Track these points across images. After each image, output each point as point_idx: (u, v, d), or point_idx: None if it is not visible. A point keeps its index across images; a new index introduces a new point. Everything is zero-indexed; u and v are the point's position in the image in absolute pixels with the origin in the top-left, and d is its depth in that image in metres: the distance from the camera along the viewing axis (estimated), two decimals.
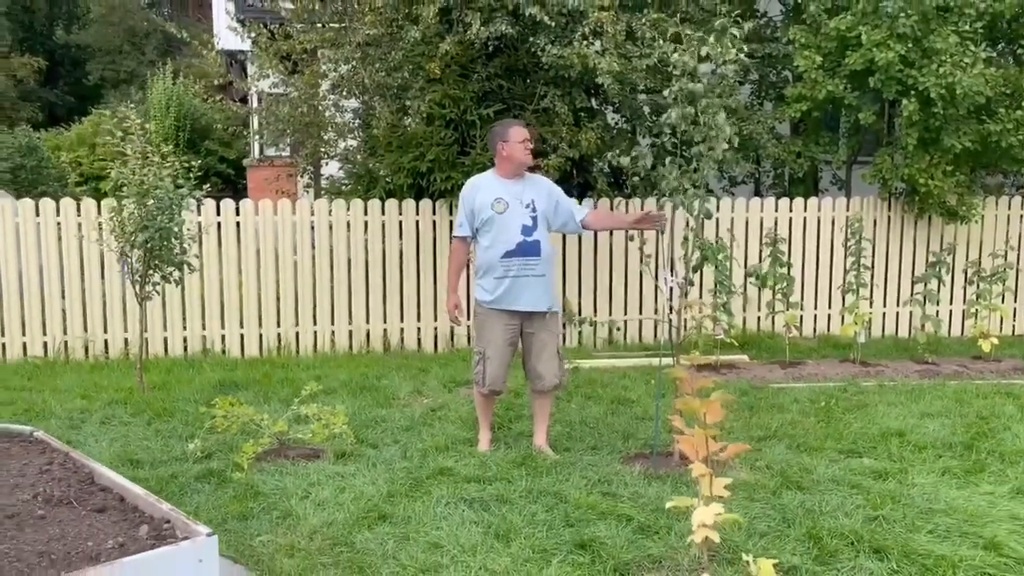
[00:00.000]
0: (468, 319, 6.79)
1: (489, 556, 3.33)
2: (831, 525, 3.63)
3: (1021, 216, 8.70)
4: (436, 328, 7.92)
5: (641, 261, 5.25)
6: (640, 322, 8.18)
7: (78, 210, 7.42)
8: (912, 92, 7.52)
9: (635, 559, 3.31)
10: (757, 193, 10.42)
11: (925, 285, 7.55)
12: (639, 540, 3.48)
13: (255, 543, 3.48)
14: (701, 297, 8.03)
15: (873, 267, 8.45)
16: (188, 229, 6.17)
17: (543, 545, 3.42)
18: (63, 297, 7.46)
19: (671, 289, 4.61)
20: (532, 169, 4.90)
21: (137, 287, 6.06)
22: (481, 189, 4.69)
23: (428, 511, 3.78)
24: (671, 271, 4.62)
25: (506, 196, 4.62)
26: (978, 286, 7.66)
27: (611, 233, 7.95)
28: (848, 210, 8.39)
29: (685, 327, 7.81)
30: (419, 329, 7.91)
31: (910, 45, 7.44)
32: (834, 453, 4.72)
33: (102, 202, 7.21)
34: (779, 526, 3.66)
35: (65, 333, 7.46)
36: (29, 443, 3.03)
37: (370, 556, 3.37)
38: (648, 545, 3.43)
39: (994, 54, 7.61)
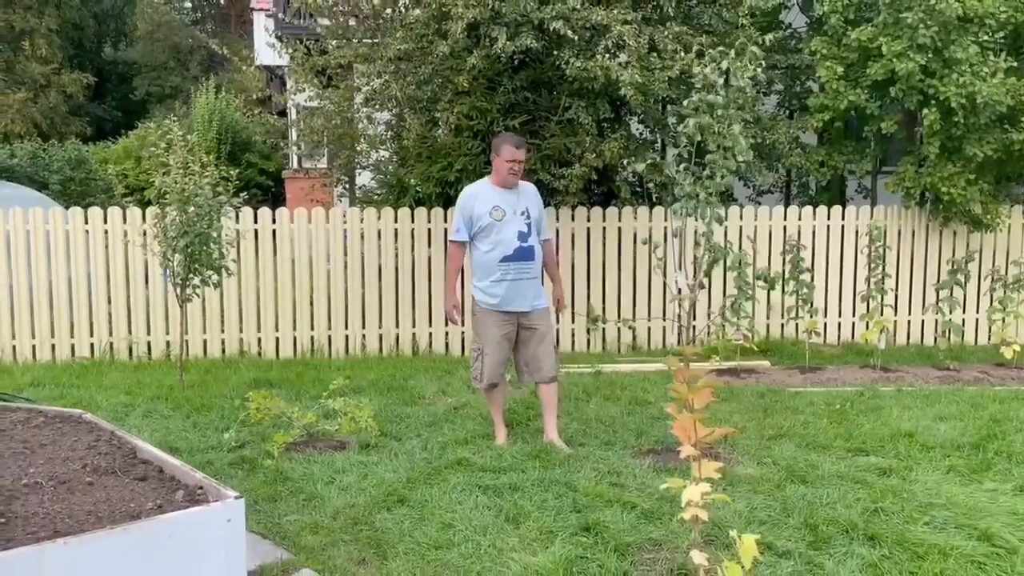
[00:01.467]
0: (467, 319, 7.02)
1: (499, 536, 3.55)
2: (828, 515, 3.78)
3: None
4: (463, 332, 8.16)
5: (651, 264, 5.43)
6: (664, 328, 8.34)
7: (124, 218, 7.82)
8: (933, 102, 7.62)
9: (636, 541, 3.50)
10: (787, 202, 10.53)
11: (951, 292, 7.61)
12: (641, 525, 3.67)
13: (282, 522, 3.75)
14: (710, 303, 8.16)
15: (897, 275, 8.52)
16: (226, 235, 6.50)
17: (550, 527, 3.63)
18: (109, 301, 7.85)
19: (681, 290, 4.79)
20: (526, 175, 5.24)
21: (178, 290, 6.40)
22: (479, 197, 4.97)
23: (444, 496, 4.01)
24: (682, 274, 4.81)
25: (503, 205, 4.93)
26: (1004, 293, 7.69)
27: (634, 240, 8.14)
28: (871, 218, 8.48)
29: (708, 332, 7.97)
30: (447, 333, 8.16)
31: (930, 55, 7.54)
32: (842, 451, 4.85)
33: (146, 210, 7.60)
34: (779, 515, 3.81)
35: (111, 335, 7.85)
36: (79, 424, 3.32)
37: (388, 534, 3.61)
38: (650, 530, 3.62)
39: (1015, 64, 7.66)
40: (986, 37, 7.55)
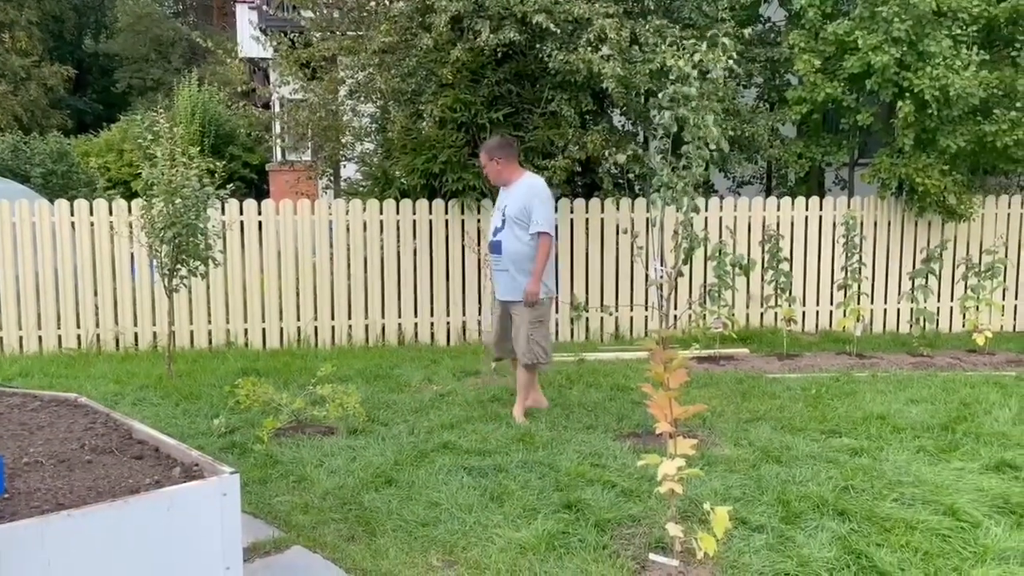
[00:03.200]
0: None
1: (483, 514, 3.68)
2: (801, 492, 3.93)
3: (1020, 214, 8.91)
4: (448, 322, 8.27)
5: (633, 253, 5.57)
6: (645, 317, 8.48)
7: (110, 210, 7.86)
8: (908, 94, 7.79)
9: (615, 518, 3.64)
10: (768, 193, 10.69)
11: (926, 280, 7.79)
12: (621, 502, 3.81)
13: (273, 502, 3.86)
14: (691, 291, 8.32)
15: (873, 264, 8.70)
16: (213, 226, 6.57)
17: (533, 505, 3.76)
18: (96, 293, 7.90)
19: (660, 277, 4.92)
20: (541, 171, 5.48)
21: (166, 280, 6.46)
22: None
23: (431, 477, 4.13)
24: (661, 262, 4.94)
25: (498, 201, 5.56)
26: (977, 281, 7.88)
27: (616, 231, 8.27)
28: (848, 209, 8.64)
29: (686, 320, 8.12)
30: (432, 324, 8.27)
31: (905, 48, 7.71)
32: (816, 433, 5.01)
33: (133, 202, 7.65)
34: (753, 493, 3.96)
35: (98, 326, 7.90)
36: (74, 407, 3.40)
37: (375, 513, 3.73)
38: (629, 506, 3.76)
39: (988, 57, 7.84)
40: (959, 31, 7.73)
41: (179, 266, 6.38)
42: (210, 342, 7.99)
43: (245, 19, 15.23)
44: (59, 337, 7.85)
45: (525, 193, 5.35)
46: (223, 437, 4.85)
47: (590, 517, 3.61)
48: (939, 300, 8.71)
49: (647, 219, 8.20)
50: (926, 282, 7.80)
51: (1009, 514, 3.80)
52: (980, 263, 8.19)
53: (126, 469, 2.68)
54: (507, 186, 5.48)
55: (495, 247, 5.44)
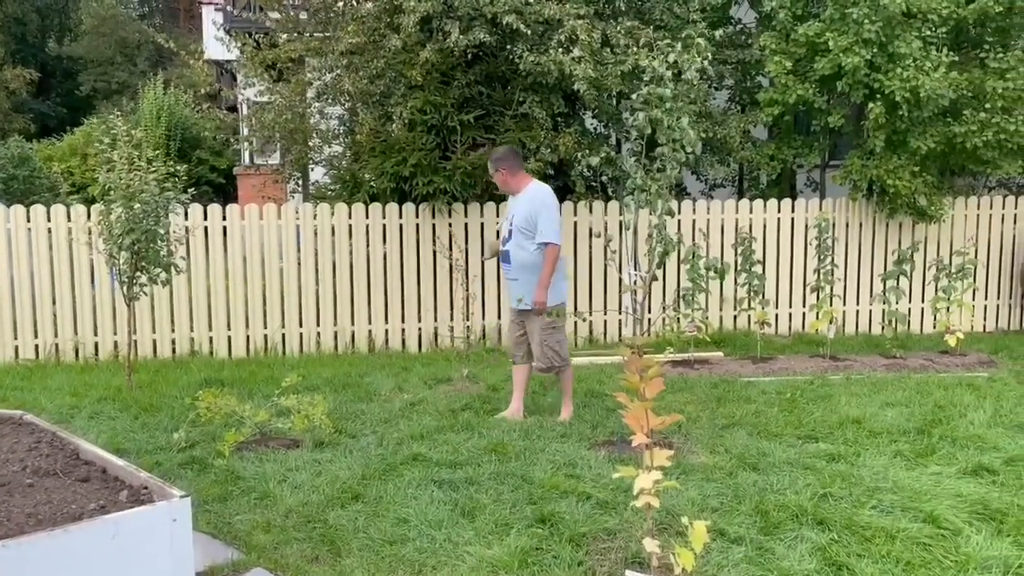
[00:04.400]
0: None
1: (454, 530, 3.54)
2: (780, 501, 3.84)
3: (990, 216, 8.95)
4: (420, 328, 8.12)
5: (606, 257, 5.49)
6: (619, 321, 8.39)
7: (68, 216, 7.62)
8: (878, 96, 7.78)
9: (591, 531, 3.52)
10: (740, 195, 10.67)
11: (896, 282, 7.78)
12: (596, 515, 3.69)
13: (233, 521, 3.69)
14: (664, 295, 8.24)
15: (846, 266, 8.69)
16: (175, 232, 6.37)
17: (506, 520, 3.63)
18: (54, 301, 7.65)
19: (635, 282, 4.83)
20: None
21: (125, 288, 6.25)
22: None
23: (399, 492, 3.99)
24: (635, 266, 4.84)
25: (507, 209, 5.60)
26: (948, 282, 7.88)
27: (589, 234, 8.17)
28: (820, 211, 8.62)
29: (663, 324, 8.04)
30: (403, 330, 8.11)
31: (875, 50, 7.70)
32: (792, 439, 4.94)
33: (92, 207, 7.42)
34: (730, 502, 3.87)
35: (56, 336, 7.65)
36: (19, 425, 3.22)
37: (341, 531, 3.58)
38: (605, 519, 3.64)
39: (957, 59, 7.85)
40: (929, 32, 7.74)
41: (139, 274, 6.18)
42: (174, 351, 7.77)
43: (210, 20, 14.96)
44: (16, 348, 7.59)
45: (530, 202, 5.35)
46: (182, 452, 4.66)
47: (564, 531, 3.49)
48: (910, 301, 8.72)
49: (620, 222, 8.12)
50: (897, 284, 7.78)
51: (989, 520, 3.74)
52: (950, 263, 8.20)
53: (70, 493, 2.52)
54: (515, 195, 5.48)
55: (503, 256, 5.51)
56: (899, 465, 4.46)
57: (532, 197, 5.35)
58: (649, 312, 8.13)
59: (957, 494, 4.03)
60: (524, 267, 5.33)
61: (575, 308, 8.24)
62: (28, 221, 7.57)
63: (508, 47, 7.49)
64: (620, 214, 8.17)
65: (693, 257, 7.37)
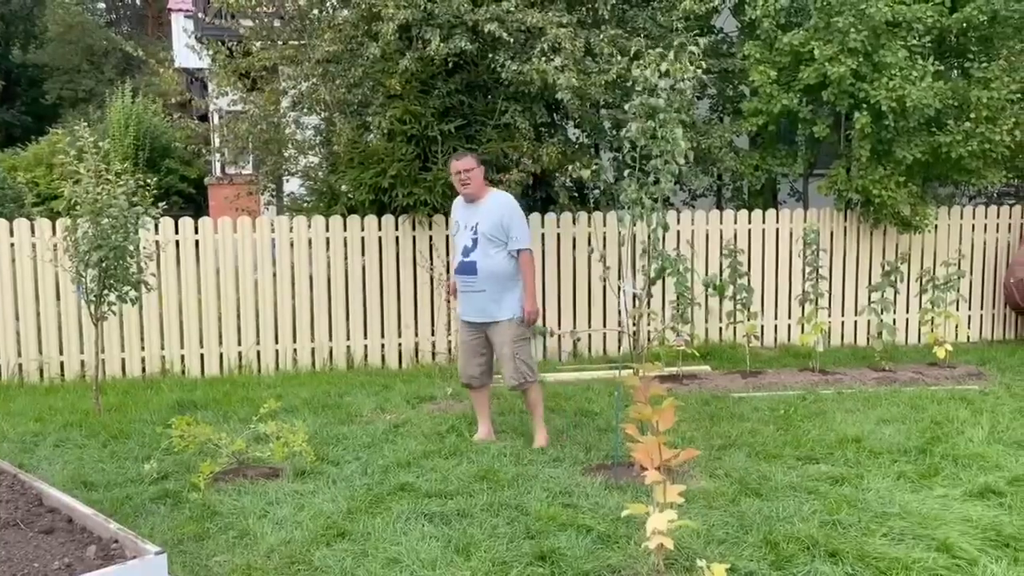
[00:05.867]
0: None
1: (449, 570, 3.32)
2: (787, 530, 3.68)
3: (973, 225, 8.92)
4: (400, 344, 7.89)
5: (602, 272, 5.31)
6: (604, 335, 8.23)
7: (32, 230, 7.30)
8: (864, 105, 7.70)
9: (594, 569, 3.32)
10: (719, 206, 10.57)
11: (882, 295, 7.69)
12: (598, 550, 3.49)
13: (211, 563, 3.43)
14: (663, 308, 8.10)
15: (831, 277, 8.60)
16: (145, 247, 6.10)
17: (503, 558, 3.42)
18: (17, 319, 7.32)
19: (633, 297, 4.66)
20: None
21: (92, 307, 5.97)
22: (453, 211, 5.42)
23: (388, 527, 3.76)
24: (631, 282, 4.67)
25: (460, 219, 5.27)
26: (933, 294, 7.82)
27: (574, 246, 8.00)
28: (805, 221, 8.53)
29: (648, 338, 7.88)
30: (383, 345, 7.87)
31: (861, 59, 7.62)
32: (792, 460, 4.78)
33: (57, 222, 7.11)
34: (736, 532, 3.69)
35: (20, 356, 7.32)
36: None
37: (328, 573, 3.34)
38: (608, 555, 3.44)
39: (942, 68, 7.81)
40: (914, 41, 7.68)
41: (107, 292, 5.89)
42: (144, 370, 7.46)
43: (180, 28, 14.63)
44: None
45: (498, 210, 5.14)
46: (155, 484, 4.38)
47: (567, 570, 3.29)
48: (895, 312, 8.64)
49: (604, 233, 7.95)
50: (882, 296, 7.70)
51: (1003, 547, 3.61)
52: (934, 274, 8.13)
53: (32, 548, 2.28)
54: (475, 202, 5.20)
55: (467, 268, 5.15)
56: (904, 487, 4.32)
57: (500, 204, 5.17)
58: (648, 326, 7.98)
59: (966, 518, 3.90)
60: (494, 276, 5.09)
61: (559, 322, 8.07)
62: None
63: (490, 55, 7.30)
64: (604, 225, 8.01)
65: (680, 270, 7.22)
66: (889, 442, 5.09)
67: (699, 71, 4.72)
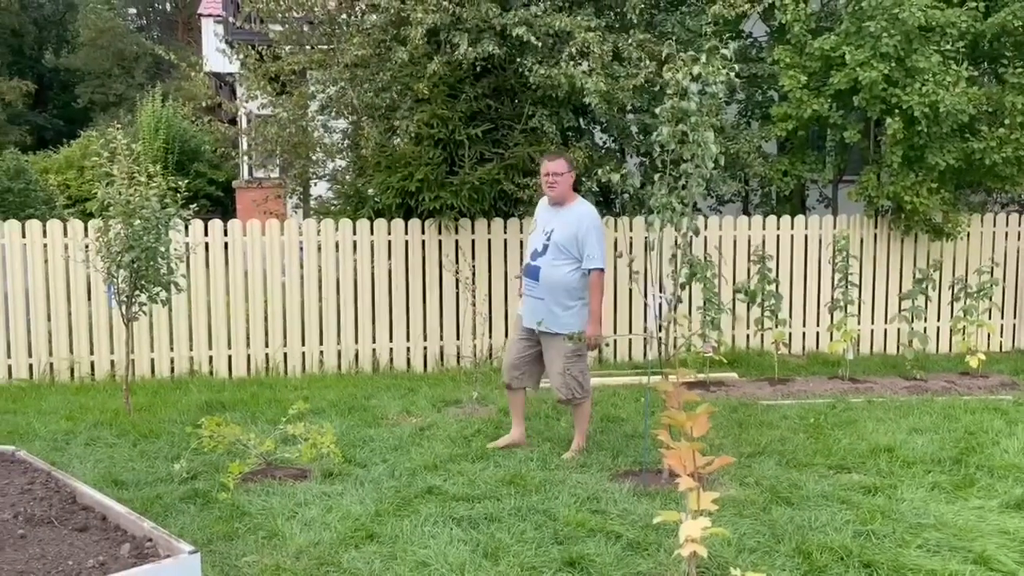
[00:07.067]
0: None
1: (477, 574, 3.30)
2: (820, 540, 3.62)
3: (1006, 233, 8.77)
4: (426, 348, 7.89)
5: (630, 278, 5.27)
6: (630, 340, 8.18)
7: (65, 231, 7.39)
8: (896, 111, 7.60)
9: None
10: (745, 212, 10.49)
11: (913, 302, 7.58)
12: (628, 557, 3.46)
13: (240, 563, 3.44)
14: (690, 315, 8.04)
15: (860, 284, 8.48)
16: (175, 249, 6.15)
17: (532, 563, 3.40)
18: (49, 319, 7.41)
19: (659, 306, 4.62)
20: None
21: (123, 308, 6.03)
22: (537, 210, 5.27)
23: (416, 530, 3.75)
24: (659, 288, 4.64)
25: (539, 219, 5.16)
26: (965, 302, 7.69)
27: None
28: (835, 228, 8.44)
29: (675, 345, 7.82)
30: (408, 349, 7.88)
31: (893, 64, 7.53)
32: (823, 469, 4.72)
33: (89, 223, 7.19)
34: (768, 542, 3.64)
35: (51, 355, 7.41)
36: (11, 463, 2.99)
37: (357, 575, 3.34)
38: (637, 562, 3.41)
39: (976, 73, 7.69)
40: (948, 46, 7.57)
41: (138, 292, 5.95)
42: (172, 371, 7.53)
43: (211, 32, 14.78)
44: (9, 367, 7.35)
45: (578, 221, 4.94)
46: (184, 484, 4.41)
47: None
48: (925, 320, 8.51)
49: (630, 238, 7.91)
50: (913, 304, 7.58)
51: None
52: (966, 282, 8.00)
53: (66, 546, 2.29)
54: (559, 206, 5.04)
55: (532, 272, 5.00)
56: (939, 498, 4.25)
57: (581, 217, 4.96)
58: (675, 332, 7.92)
59: (1004, 531, 3.83)
60: (554, 288, 4.92)
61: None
62: (23, 237, 7.34)
63: (517, 59, 7.30)
64: (630, 230, 7.96)
65: (708, 275, 7.17)
66: (922, 452, 5.00)
67: (731, 74, 4.67)
